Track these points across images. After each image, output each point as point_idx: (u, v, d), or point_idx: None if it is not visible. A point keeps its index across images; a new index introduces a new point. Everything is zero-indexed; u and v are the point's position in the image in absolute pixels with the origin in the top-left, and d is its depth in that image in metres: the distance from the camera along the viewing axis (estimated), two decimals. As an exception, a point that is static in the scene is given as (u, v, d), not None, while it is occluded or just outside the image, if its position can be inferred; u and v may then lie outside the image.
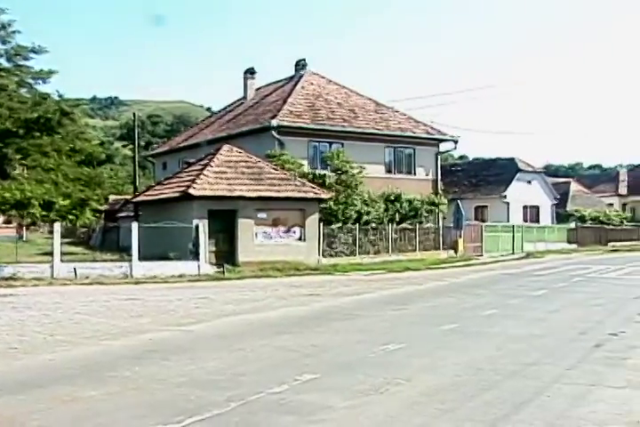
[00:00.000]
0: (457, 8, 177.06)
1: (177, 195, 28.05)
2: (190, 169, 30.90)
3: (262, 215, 28.88)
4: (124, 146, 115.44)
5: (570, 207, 63.95)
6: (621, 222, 66.67)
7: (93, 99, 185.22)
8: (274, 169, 30.64)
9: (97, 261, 26.78)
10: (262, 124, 35.57)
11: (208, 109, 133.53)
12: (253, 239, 28.64)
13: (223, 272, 26.30)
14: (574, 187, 69.38)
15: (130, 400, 7.92)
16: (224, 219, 27.80)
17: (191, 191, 27.12)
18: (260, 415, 7.25)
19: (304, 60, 42.47)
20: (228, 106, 48.42)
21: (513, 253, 44.85)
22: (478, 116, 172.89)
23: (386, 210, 35.93)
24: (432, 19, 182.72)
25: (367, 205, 34.63)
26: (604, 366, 9.91)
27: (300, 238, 29.92)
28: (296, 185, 30.17)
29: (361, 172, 34.55)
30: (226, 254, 27.94)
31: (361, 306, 17.47)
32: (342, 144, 36.38)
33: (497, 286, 23.35)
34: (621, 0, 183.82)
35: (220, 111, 50.83)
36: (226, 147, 31.22)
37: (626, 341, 12.13)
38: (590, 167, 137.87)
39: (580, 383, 8.83)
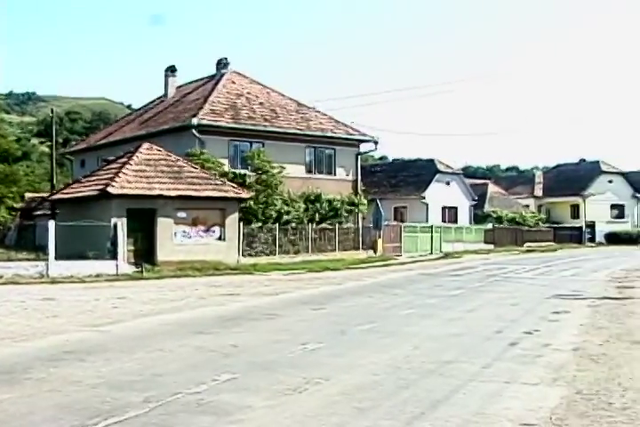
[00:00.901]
0: (382, 8, 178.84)
1: (95, 193, 27.62)
2: (109, 167, 30.46)
3: (182, 214, 28.68)
4: (41, 143, 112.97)
5: (487, 208, 65.01)
6: (537, 223, 68.11)
7: (9, 94, 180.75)
8: (194, 168, 30.44)
9: (12, 260, 26.21)
10: (183, 122, 35.29)
11: (128, 107, 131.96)
12: (173, 239, 28.42)
13: (142, 272, 26.05)
14: (492, 188, 70.54)
15: (45, 403, 7.77)
16: (143, 218, 27.52)
17: (110, 190, 26.75)
18: (179, 416, 7.20)
19: (225, 58, 42.23)
20: (149, 104, 47.86)
21: (431, 254, 45.44)
22: (399, 118, 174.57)
23: (306, 210, 36.04)
24: (356, 19, 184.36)
25: (287, 204, 34.68)
26: (519, 364, 10.13)
27: (219, 238, 29.81)
28: (216, 184, 30.05)
29: (281, 171, 34.58)
30: (145, 254, 27.65)
31: (280, 306, 17.50)
32: (263, 144, 36.34)
33: (415, 286, 23.63)
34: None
35: (140, 109, 50.21)
36: (146, 145, 30.87)
37: (540, 339, 12.40)
38: (508, 169, 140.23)
39: (495, 381, 9.01)
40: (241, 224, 30.97)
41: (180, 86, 44.73)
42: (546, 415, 7.38)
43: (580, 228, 71.02)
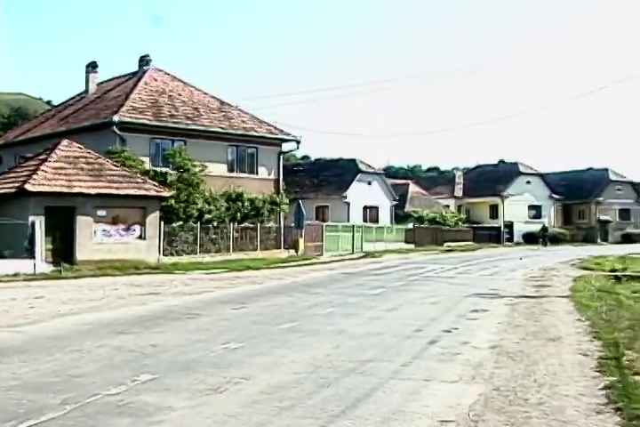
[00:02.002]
0: (308, 7, 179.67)
1: (12, 191, 27.01)
2: (27, 164, 29.85)
3: (102, 213, 28.31)
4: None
5: (408, 208, 65.64)
6: (457, 223, 69.06)
7: None
8: (115, 166, 30.08)
9: None
10: (104, 119, 34.79)
11: (48, 103, 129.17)
12: (92, 237, 28.03)
13: (60, 271, 25.62)
14: (413, 188, 71.24)
15: (-42, 405, 7.59)
16: (62, 216, 27.08)
17: (27, 187, 26.25)
18: (97, 418, 7.10)
19: (148, 55, 41.77)
20: (69, 100, 47.00)
21: (353, 253, 45.69)
22: (322, 117, 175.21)
23: (228, 209, 35.93)
24: (280, 17, 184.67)
25: (209, 203, 34.55)
26: (438, 362, 10.27)
27: (140, 237, 29.52)
28: (137, 182, 29.74)
29: (203, 170, 34.41)
30: (64, 253, 27.19)
31: (201, 305, 17.39)
32: (185, 142, 36.12)
33: (336, 285, 23.73)
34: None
35: (60, 105, 49.30)
36: (65, 142, 30.36)
37: (458, 337, 12.58)
38: (429, 170, 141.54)
39: (414, 379, 9.11)
40: (162, 223, 30.71)
41: (102, 83, 44.04)
42: (464, 412, 7.50)
43: (499, 228, 72.30)
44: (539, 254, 49.55)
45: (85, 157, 29.61)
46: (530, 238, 72.28)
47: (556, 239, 72.40)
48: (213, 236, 34.54)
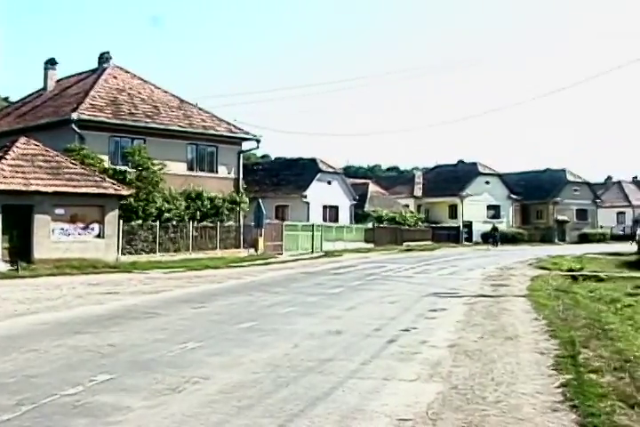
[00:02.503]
0: (271, 6, 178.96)
1: (-32, 189, 26.68)
2: (-17, 162, 29.48)
3: (60, 211, 28.03)
4: None
5: (368, 208, 65.81)
6: (416, 223, 69.30)
7: None
8: (73, 164, 29.78)
9: None
10: (62, 117, 34.40)
11: (5, 99, 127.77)
12: (50, 236, 27.74)
13: (17, 270, 25.35)
14: (372, 188, 71.46)
15: None
16: (19, 214, 26.77)
17: (-17, 185, 25.93)
18: (54, 419, 7.03)
19: (108, 52, 41.34)
20: (27, 97, 46.33)
21: (312, 252, 45.70)
22: (283, 116, 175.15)
23: (187, 208, 35.77)
24: (243, 15, 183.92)
25: (168, 202, 34.36)
26: (397, 361, 10.32)
27: (98, 235, 29.28)
28: (95, 181, 29.49)
29: (162, 169, 34.22)
30: (21, 251, 26.86)
31: (160, 304, 17.30)
32: (144, 140, 35.87)
33: (295, 285, 23.72)
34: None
35: (17, 102, 48.62)
36: (22, 139, 29.99)
37: (417, 336, 12.64)
38: (388, 169, 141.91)
39: (373, 378, 9.15)
40: (121, 222, 30.49)
41: (60, 80, 43.50)
42: (422, 410, 7.56)
43: (458, 227, 72.73)
44: (495, 254, 49.89)
45: (43, 155, 29.30)
46: (489, 238, 72.85)
47: (514, 239, 73.03)
48: (173, 235, 34.36)
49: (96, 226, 29.26)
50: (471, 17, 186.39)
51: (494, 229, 68.66)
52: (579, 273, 27.56)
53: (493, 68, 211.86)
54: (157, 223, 33.25)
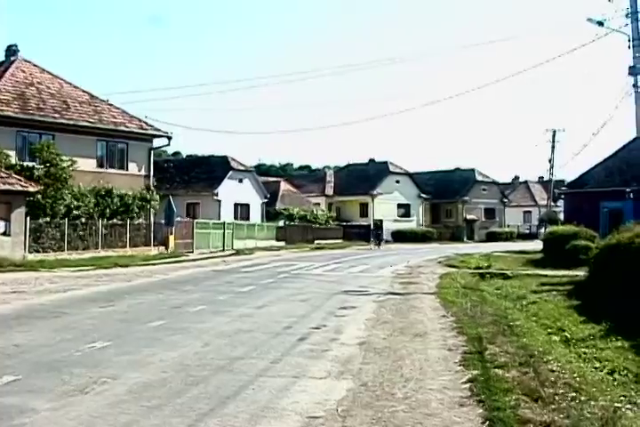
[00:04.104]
0: (183, 1, 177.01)
1: None
2: None
3: (-36, 208, 27.32)
4: None
5: (279, 206, 65.94)
6: (327, 221, 69.73)
7: None
8: (-23, 159, 29.06)
9: None
10: (-35, 111, 33.51)
11: None
12: (-48, 233, 27.03)
13: None
14: (284, 186, 71.61)
15: None
16: None
17: None
18: (-45, 421, 6.87)
19: (15, 45, 40.26)
20: None
21: (223, 250, 45.57)
22: (195, 114, 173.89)
23: (96, 205, 35.23)
24: (156, 11, 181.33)
25: (77, 199, 33.77)
26: (307, 359, 10.35)
27: (4, 233, 28.58)
28: (1, 177, 28.79)
29: (72, 165, 33.59)
30: None
31: (68, 303, 16.99)
32: (53, 136, 35.14)
33: (206, 283, 23.59)
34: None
35: None
36: None
37: (327, 334, 12.71)
38: (300, 168, 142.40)
39: (284, 376, 9.16)
40: (27, 219, 29.84)
41: (-37, 73, 42.36)
42: (332, 408, 7.61)
43: (369, 226, 73.36)
44: (407, 252, 50.38)
45: (-54, 150, 28.51)
46: (399, 236, 73.72)
47: (424, 238, 74.09)
48: (82, 232, 33.80)
49: (2, 223, 28.56)
50: (390, 15, 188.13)
51: (377, 225, 68.58)
52: (486, 271, 28.12)
53: (406, 68, 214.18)
54: (66, 221, 32.62)
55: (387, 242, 71.02)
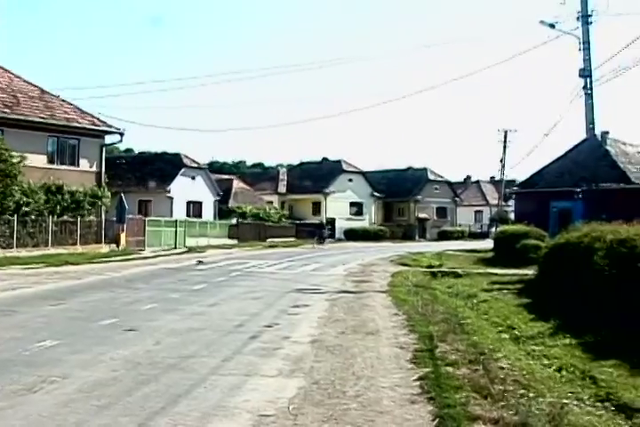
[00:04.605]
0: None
1: None
2: None
3: None
4: None
5: (232, 204, 65.83)
6: (280, 219, 69.74)
7: None
8: None
9: None
10: None
11: None
12: None
13: None
14: (237, 184, 71.52)
15: None
16: None
17: None
18: None
19: (-37, 40, 39.89)
20: None
21: (175, 248, 45.34)
22: (148, 110, 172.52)
23: (47, 201, 34.84)
24: (111, 6, 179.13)
25: (27, 196, 33.36)
26: (259, 357, 10.34)
27: (-49, 230, 28.17)
28: (-52, 173, 28.37)
29: (21, 161, 33.15)
30: None
31: (17, 302, 16.77)
32: (2, 131, 34.60)
33: (157, 281, 23.45)
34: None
35: None
36: None
37: (279, 332, 12.72)
38: (253, 166, 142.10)
39: (235, 374, 9.15)
40: (-25, 216, 29.44)
41: None
42: (284, 406, 7.61)
43: (321, 224, 73.50)
44: (359, 251, 50.54)
45: None
46: (352, 235, 73.95)
47: (376, 236, 74.38)
48: (31, 229, 33.41)
49: (-51, 220, 28.14)
50: (347, 15, 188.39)
51: (321, 224, 68.24)
52: (438, 269, 28.32)
53: (362, 67, 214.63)
54: (15, 217, 32.21)
55: (339, 240, 71.30)
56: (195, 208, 59.50)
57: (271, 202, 75.09)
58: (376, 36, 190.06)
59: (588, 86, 28.38)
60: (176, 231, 47.43)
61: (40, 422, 6.86)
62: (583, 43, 28.79)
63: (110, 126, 40.89)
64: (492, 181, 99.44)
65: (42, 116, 37.10)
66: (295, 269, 30.02)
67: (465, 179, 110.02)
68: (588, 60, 28.60)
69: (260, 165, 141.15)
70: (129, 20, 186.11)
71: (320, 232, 63.11)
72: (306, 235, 68.69)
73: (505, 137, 72.96)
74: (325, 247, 58.03)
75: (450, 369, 9.21)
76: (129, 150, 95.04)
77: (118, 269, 28.40)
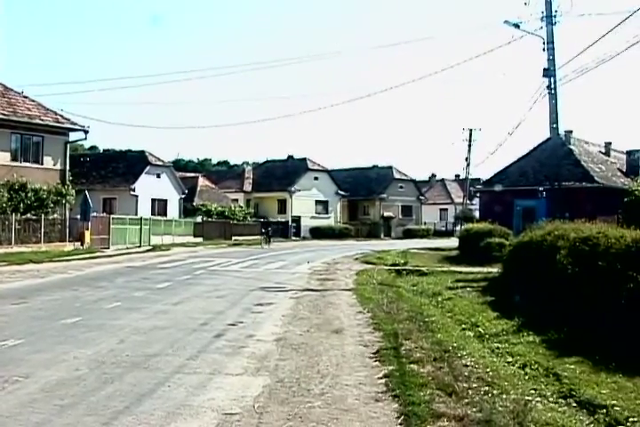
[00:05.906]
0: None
1: None
2: None
3: None
4: None
5: (197, 202, 65.55)
6: (245, 218, 69.54)
7: None
8: None
9: None
10: None
11: None
12: None
13: None
14: (202, 182, 71.21)
15: None
16: None
17: None
18: None
19: None
20: None
21: (140, 246, 45.04)
22: (113, 107, 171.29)
23: (10, 199, 34.46)
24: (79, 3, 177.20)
25: (-11, 193, 33.02)
26: (224, 355, 10.34)
27: None
28: None
29: (-17, 159, 32.85)
30: None
31: (-22, 300, 16.63)
32: (-37, 128, 34.32)
33: (122, 279, 23.30)
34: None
35: None
36: None
37: (244, 330, 12.72)
38: (219, 163, 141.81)
39: (200, 372, 9.14)
40: (-64, 213, 29.06)
41: None
42: (249, 404, 7.63)
43: (287, 222, 73.45)
44: (324, 249, 50.54)
45: None
46: (317, 233, 73.97)
47: (341, 234, 74.45)
48: (-7, 228, 33.07)
49: None
50: (308, 13, 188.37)
51: (266, 223, 66.53)
52: (402, 268, 28.42)
53: (326, 66, 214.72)
54: (-23, 215, 31.88)
55: (304, 238, 71.24)
56: (160, 206, 59.17)
57: (237, 200, 74.87)
58: (346, 35, 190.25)
59: (552, 86, 28.60)
60: (141, 229, 47.14)
61: (2, 423, 6.81)
62: (547, 43, 29.01)
63: (74, 124, 40.54)
64: (457, 179, 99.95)
65: (4, 112, 36.66)
66: (259, 268, 29.98)
67: (430, 177, 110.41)
68: (551, 60, 28.81)
69: (225, 162, 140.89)
70: (123, 18, 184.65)
71: (266, 231, 57.39)
72: (271, 233, 68.41)
73: (470, 135, 73.45)
74: (272, 247, 52.73)
75: (414, 367, 9.26)
76: (94, 148, 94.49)
77: (82, 267, 28.20)
